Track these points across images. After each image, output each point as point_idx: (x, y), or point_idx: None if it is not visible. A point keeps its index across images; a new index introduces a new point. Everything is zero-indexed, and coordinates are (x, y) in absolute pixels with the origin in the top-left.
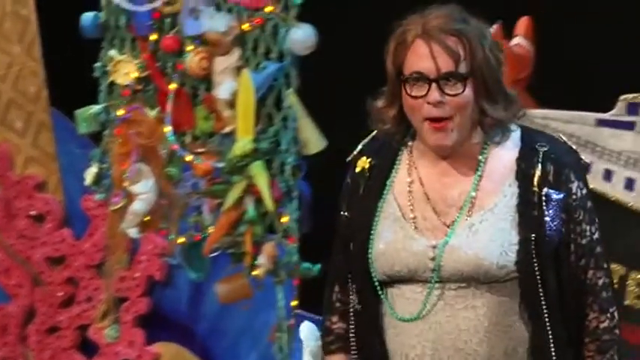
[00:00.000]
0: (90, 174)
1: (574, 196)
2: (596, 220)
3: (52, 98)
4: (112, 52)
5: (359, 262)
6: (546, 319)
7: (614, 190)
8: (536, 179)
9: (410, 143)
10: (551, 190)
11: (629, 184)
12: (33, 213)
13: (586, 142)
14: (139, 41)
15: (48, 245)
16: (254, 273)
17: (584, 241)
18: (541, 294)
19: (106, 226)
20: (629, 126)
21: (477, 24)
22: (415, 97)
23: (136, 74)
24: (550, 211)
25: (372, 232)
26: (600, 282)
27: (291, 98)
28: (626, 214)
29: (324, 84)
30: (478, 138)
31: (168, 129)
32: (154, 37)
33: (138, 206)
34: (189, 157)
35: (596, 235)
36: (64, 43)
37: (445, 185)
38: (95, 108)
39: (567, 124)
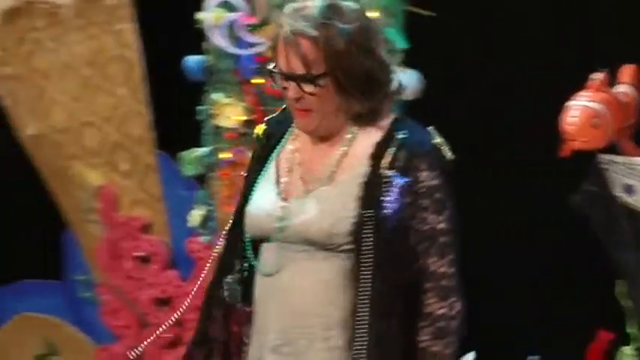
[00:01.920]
0: (195, 216)
1: (420, 184)
2: (446, 211)
3: (157, 140)
4: (217, 95)
5: (238, 220)
6: (368, 292)
7: None
8: (385, 162)
9: None
10: (396, 175)
11: None
12: (139, 254)
13: None
14: (244, 85)
15: (154, 287)
16: None
17: (425, 228)
18: (370, 268)
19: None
20: None
21: (343, 23)
22: (283, 89)
23: (241, 117)
24: (391, 194)
25: (251, 193)
26: (441, 270)
27: None
28: None
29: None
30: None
31: None
32: (258, 80)
33: None
34: None
35: (441, 225)
36: (168, 86)
37: (315, 156)
38: (200, 150)
39: None
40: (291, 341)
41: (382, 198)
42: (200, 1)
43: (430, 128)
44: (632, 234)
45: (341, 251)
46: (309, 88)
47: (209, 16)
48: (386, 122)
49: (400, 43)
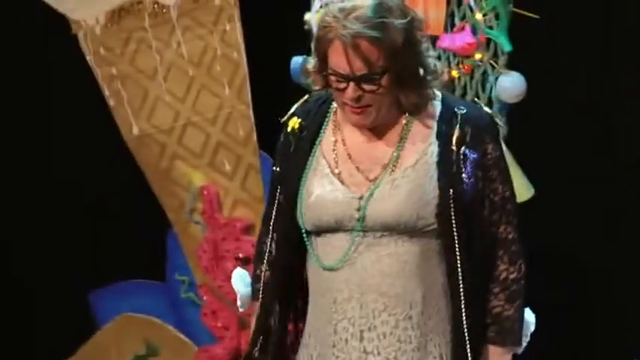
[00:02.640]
0: None
1: (489, 156)
2: (509, 179)
3: (259, 141)
4: None
5: (288, 213)
6: (458, 268)
7: None
8: (454, 139)
9: (335, 106)
10: (468, 150)
11: None
12: (240, 256)
13: None
14: None
15: None
16: None
17: (496, 198)
18: (456, 244)
19: None
20: None
21: (396, 19)
22: (336, 89)
23: None
24: (467, 169)
25: (301, 186)
26: (510, 236)
27: None
28: None
29: (533, 131)
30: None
31: None
32: None
33: None
34: None
35: (507, 193)
36: (273, 86)
37: (368, 146)
38: None
39: None
40: (376, 325)
41: (459, 175)
42: (308, 2)
43: (476, 100)
44: None
45: (423, 233)
46: (369, 86)
47: (315, 16)
48: (435, 101)
49: (506, 45)
